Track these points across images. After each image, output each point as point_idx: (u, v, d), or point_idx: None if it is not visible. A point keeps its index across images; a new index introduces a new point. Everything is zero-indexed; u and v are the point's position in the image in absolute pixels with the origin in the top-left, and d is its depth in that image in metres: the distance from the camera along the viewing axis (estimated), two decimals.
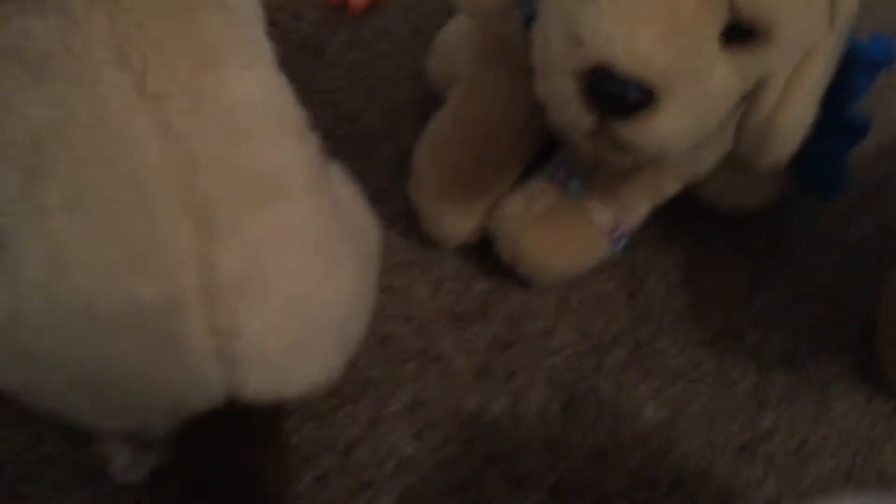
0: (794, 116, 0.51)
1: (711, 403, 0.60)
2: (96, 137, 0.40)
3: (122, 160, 0.41)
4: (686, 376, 0.61)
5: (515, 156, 0.64)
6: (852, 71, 0.63)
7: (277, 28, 0.75)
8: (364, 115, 0.72)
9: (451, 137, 0.64)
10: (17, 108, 0.41)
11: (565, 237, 0.62)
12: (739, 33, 0.46)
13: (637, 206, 0.64)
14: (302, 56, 0.75)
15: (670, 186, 0.65)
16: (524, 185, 0.63)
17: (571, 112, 0.47)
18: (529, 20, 0.56)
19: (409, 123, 0.72)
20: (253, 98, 0.44)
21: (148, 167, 0.41)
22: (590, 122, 0.47)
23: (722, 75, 0.47)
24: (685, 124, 0.47)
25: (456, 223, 0.63)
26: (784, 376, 0.62)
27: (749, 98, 0.50)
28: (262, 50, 0.47)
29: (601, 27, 0.45)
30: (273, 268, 0.42)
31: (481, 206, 0.63)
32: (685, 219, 0.68)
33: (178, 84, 0.42)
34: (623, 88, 0.45)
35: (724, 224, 0.69)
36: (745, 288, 0.67)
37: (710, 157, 0.60)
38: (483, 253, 0.64)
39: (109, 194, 0.41)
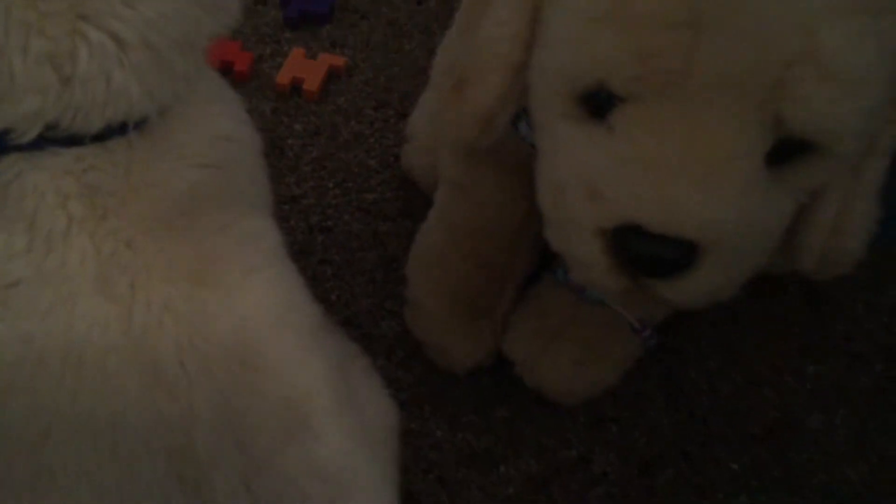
0: (858, 228, 0.43)
1: None
2: (69, 390, 0.33)
3: (101, 423, 0.34)
4: (748, 485, 0.54)
5: (518, 262, 0.56)
6: None
7: None
8: (339, 220, 0.64)
9: (443, 252, 0.56)
10: None
11: (592, 350, 0.54)
12: (789, 148, 0.38)
13: None
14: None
15: None
16: (534, 295, 0.56)
17: (598, 274, 0.39)
18: (517, 118, 0.48)
19: (390, 223, 0.64)
20: (263, 308, 0.37)
21: (132, 431, 0.34)
22: (621, 283, 0.39)
23: (772, 205, 0.39)
24: (736, 272, 0.39)
25: (465, 350, 0.55)
26: (857, 467, 0.55)
27: (804, 209, 0.42)
28: (271, 241, 0.39)
29: (624, 179, 0.37)
30: None
31: (490, 325, 0.56)
32: None
33: (171, 311, 0.34)
34: (658, 248, 0.37)
35: (758, 288, 0.61)
36: (795, 360, 0.60)
37: None
38: (498, 371, 0.57)
39: (85, 469, 0.34)
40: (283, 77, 0.70)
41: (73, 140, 0.34)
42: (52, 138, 0.33)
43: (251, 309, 0.37)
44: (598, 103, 0.39)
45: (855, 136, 0.38)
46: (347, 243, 0.63)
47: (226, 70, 0.71)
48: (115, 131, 0.34)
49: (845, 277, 0.63)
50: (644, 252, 0.38)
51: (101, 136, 0.34)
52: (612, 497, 0.53)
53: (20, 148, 0.33)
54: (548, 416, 0.56)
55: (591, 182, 0.39)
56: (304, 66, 0.71)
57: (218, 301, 0.36)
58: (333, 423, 0.38)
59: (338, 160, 0.67)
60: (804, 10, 0.35)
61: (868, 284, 0.64)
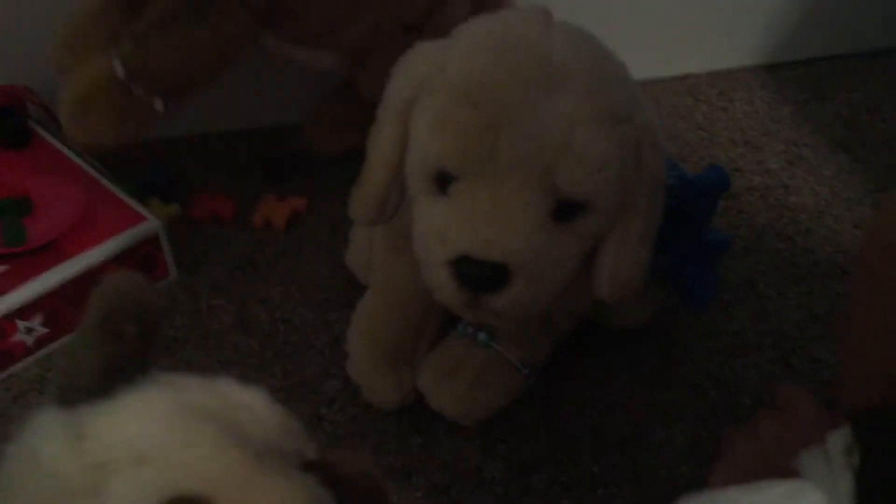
0: (629, 266, 0.62)
1: (631, 502, 0.68)
2: None
3: None
4: (605, 481, 0.70)
5: (429, 325, 0.75)
6: (695, 201, 0.76)
7: (214, 251, 0.88)
8: (297, 313, 0.84)
9: (373, 318, 0.75)
10: None
11: (481, 382, 0.72)
12: (569, 209, 0.59)
13: (540, 345, 0.75)
14: (240, 273, 0.88)
15: (566, 324, 0.76)
16: (441, 344, 0.74)
17: (448, 293, 0.59)
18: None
19: (337, 313, 0.84)
20: None
21: None
22: (463, 298, 0.59)
23: (560, 244, 0.59)
24: (539, 289, 0.59)
25: (390, 390, 0.73)
26: (689, 466, 0.70)
27: (595, 254, 0.63)
28: None
29: (456, 226, 0.58)
30: None
31: (409, 371, 0.74)
32: (586, 344, 0.78)
33: None
34: (481, 271, 0.57)
35: (620, 340, 0.80)
36: (646, 390, 0.77)
37: (586, 300, 0.71)
38: (416, 411, 0.74)
39: None
40: (258, 216, 0.93)
41: None
42: None
43: None
44: (442, 182, 0.60)
45: (605, 198, 0.59)
46: (303, 329, 0.82)
47: (215, 216, 0.94)
48: None
49: (689, 330, 0.82)
50: (473, 273, 0.58)
51: None
52: (499, 495, 0.69)
53: None
54: (452, 441, 0.73)
55: (439, 231, 0.59)
56: (274, 207, 0.94)
57: None
58: None
59: (298, 272, 0.88)
60: (564, 118, 0.57)
61: (707, 334, 0.81)
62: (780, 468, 0.62)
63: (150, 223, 0.82)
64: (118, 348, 0.38)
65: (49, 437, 0.35)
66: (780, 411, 0.66)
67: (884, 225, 0.56)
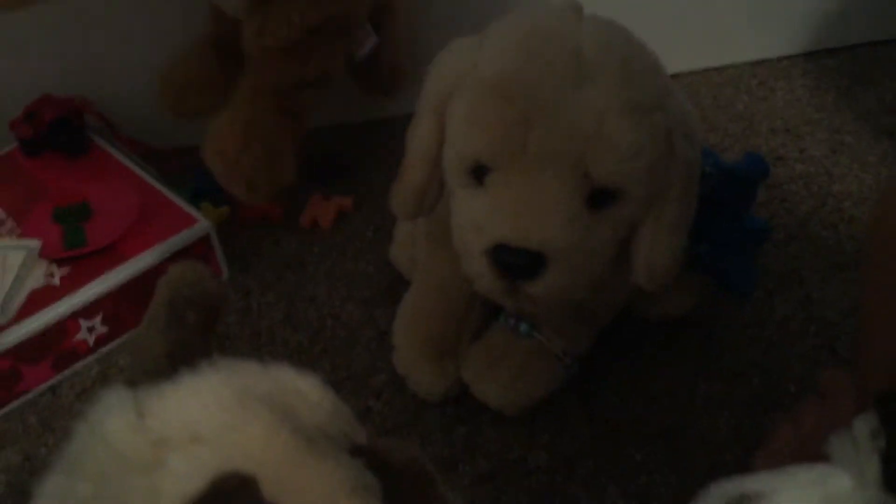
0: (664, 253, 0.63)
1: (672, 491, 0.69)
2: None
3: None
4: (647, 469, 0.70)
5: (472, 317, 0.76)
6: (732, 189, 0.76)
7: (264, 250, 0.91)
8: (344, 309, 0.86)
9: (417, 311, 0.77)
10: None
11: (523, 372, 0.73)
12: (603, 197, 0.60)
13: (581, 335, 0.76)
14: (288, 272, 0.91)
15: (606, 314, 0.77)
16: (484, 335, 0.76)
17: (487, 281, 0.61)
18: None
19: (382, 309, 0.86)
20: None
21: None
22: (502, 286, 0.60)
23: (595, 231, 0.60)
24: (575, 276, 0.60)
25: (435, 381, 0.75)
26: (733, 454, 0.71)
27: (631, 241, 0.64)
28: None
29: (492, 215, 0.59)
30: None
31: (453, 362, 0.75)
32: (626, 335, 0.79)
33: None
34: (518, 258, 0.58)
35: (661, 331, 0.80)
36: (689, 381, 0.77)
37: (625, 289, 0.72)
38: (460, 402, 0.76)
39: None
40: (305, 216, 0.95)
41: None
42: None
43: None
44: (478, 174, 0.62)
45: (638, 185, 0.60)
46: (350, 325, 0.85)
47: (264, 217, 0.96)
48: None
49: (733, 319, 0.82)
50: (510, 261, 0.59)
51: None
52: (543, 483, 0.70)
53: None
54: (496, 431, 0.74)
55: (476, 221, 0.61)
56: (320, 207, 0.96)
57: None
58: None
59: (345, 269, 0.91)
60: (595, 109, 0.58)
61: (750, 323, 0.82)
62: (821, 455, 0.63)
63: (202, 225, 0.85)
64: (181, 333, 0.40)
65: (114, 414, 0.38)
66: (823, 398, 0.66)
67: (889, 212, 0.56)
